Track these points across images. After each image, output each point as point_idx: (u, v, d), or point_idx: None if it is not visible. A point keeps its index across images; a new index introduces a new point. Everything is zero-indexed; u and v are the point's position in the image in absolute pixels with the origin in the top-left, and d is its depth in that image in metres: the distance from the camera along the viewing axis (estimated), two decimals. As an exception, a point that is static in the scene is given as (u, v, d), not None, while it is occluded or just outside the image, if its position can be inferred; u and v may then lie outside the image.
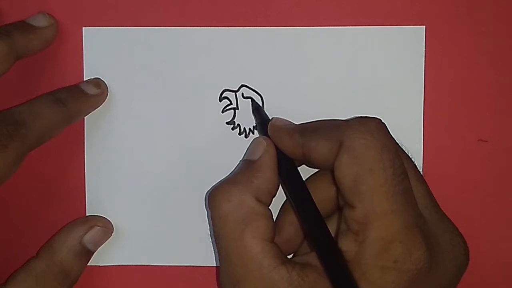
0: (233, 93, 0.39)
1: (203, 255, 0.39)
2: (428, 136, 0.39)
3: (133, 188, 0.39)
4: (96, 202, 0.39)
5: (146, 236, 0.39)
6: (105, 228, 0.39)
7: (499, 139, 0.39)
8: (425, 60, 0.38)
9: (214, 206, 0.34)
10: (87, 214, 0.39)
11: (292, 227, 0.36)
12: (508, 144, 0.39)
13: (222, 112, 0.39)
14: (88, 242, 0.38)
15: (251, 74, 0.39)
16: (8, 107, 0.36)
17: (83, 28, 0.39)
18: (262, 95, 0.39)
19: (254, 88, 0.39)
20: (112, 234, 0.39)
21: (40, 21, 0.38)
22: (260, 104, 0.39)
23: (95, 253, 0.39)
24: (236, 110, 0.39)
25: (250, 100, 0.39)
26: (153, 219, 0.39)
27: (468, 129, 0.39)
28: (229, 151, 0.39)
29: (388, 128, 0.33)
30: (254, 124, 0.39)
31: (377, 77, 0.39)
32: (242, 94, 0.39)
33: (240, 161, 0.38)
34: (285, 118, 0.37)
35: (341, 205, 0.33)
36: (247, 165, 0.35)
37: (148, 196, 0.39)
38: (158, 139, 0.39)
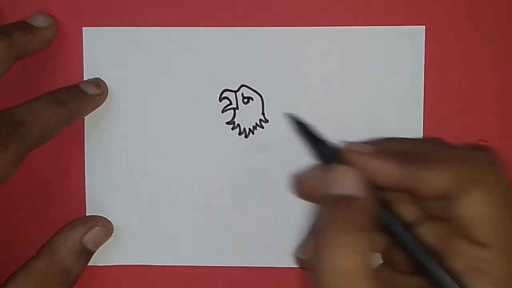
0: (233, 93, 0.39)
1: (203, 255, 0.39)
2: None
3: (133, 188, 0.39)
4: (96, 202, 0.39)
5: (146, 236, 0.39)
6: (105, 228, 0.39)
7: (499, 139, 0.39)
8: (425, 60, 0.38)
9: (323, 259, 0.28)
10: (87, 214, 0.39)
11: None
12: (508, 144, 0.39)
13: (222, 112, 0.39)
14: (88, 242, 0.38)
15: (251, 74, 0.39)
16: (8, 107, 0.36)
17: (83, 28, 0.39)
18: (262, 95, 0.39)
19: (254, 88, 0.39)
20: (112, 234, 0.39)
21: (40, 21, 0.38)
22: (260, 105, 0.39)
23: (95, 253, 0.39)
24: (236, 110, 0.39)
25: (289, 116, 0.33)
26: (153, 219, 0.39)
27: (468, 129, 0.39)
28: (229, 151, 0.39)
29: None
30: (254, 124, 0.39)
31: (377, 77, 0.39)
32: (242, 94, 0.39)
33: (325, 196, 0.31)
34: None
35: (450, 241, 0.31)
36: (346, 204, 0.30)
37: (148, 196, 0.39)
38: (158, 139, 0.39)
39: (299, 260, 0.33)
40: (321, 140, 0.32)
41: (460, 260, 0.30)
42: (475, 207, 0.29)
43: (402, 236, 0.30)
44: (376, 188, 0.30)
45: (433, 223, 0.32)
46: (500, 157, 0.30)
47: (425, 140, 0.35)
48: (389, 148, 0.32)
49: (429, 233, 0.32)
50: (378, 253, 0.32)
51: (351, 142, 0.31)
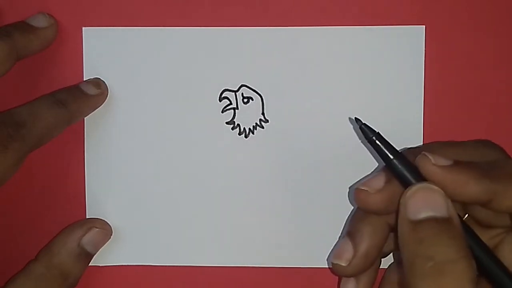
0: (233, 93, 0.39)
1: (203, 255, 0.39)
2: (428, 136, 0.39)
3: (133, 188, 0.39)
4: (96, 202, 0.40)
5: (146, 236, 0.39)
6: (103, 230, 0.39)
7: (499, 139, 0.39)
8: (425, 60, 0.38)
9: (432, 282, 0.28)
10: (87, 215, 0.39)
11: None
12: (508, 144, 0.39)
13: (222, 112, 0.39)
14: (86, 244, 0.38)
15: (251, 74, 0.39)
16: (8, 108, 0.36)
17: (83, 28, 0.39)
18: (262, 95, 0.39)
19: (254, 88, 0.39)
20: (111, 236, 0.39)
21: (40, 21, 0.38)
22: (260, 105, 0.39)
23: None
24: (236, 110, 0.39)
25: (360, 124, 0.33)
26: (153, 219, 0.39)
27: (468, 129, 0.39)
28: (229, 151, 0.39)
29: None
30: (254, 124, 0.39)
31: (377, 77, 0.39)
32: (242, 94, 0.39)
33: (426, 219, 0.29)
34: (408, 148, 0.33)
35: None
36: (447, 227, 0.29)
37: (148, 196, 0.39)
38: (158, 139, 0.39)
39: (338, 266, 0.33)
40: (394, 150, 0.32)
41: None
42: None
43: (486, 260, 0.30)
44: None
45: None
46: None
47: (477, 145, 0.34)
48: (455, 157, 0.31)
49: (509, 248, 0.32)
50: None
51: (425, 153, 0.31)
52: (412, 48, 0.38)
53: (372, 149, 0.33)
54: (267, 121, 0.39)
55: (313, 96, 0.39)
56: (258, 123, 0.39)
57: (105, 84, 0.39)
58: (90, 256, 0.38)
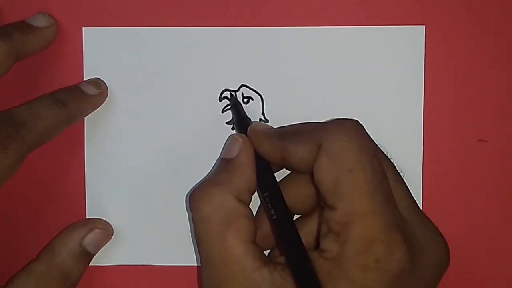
0: (233, 93, 0.39)
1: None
2: (428, 136, 0.39)
3: (133, 188, 0.39)
4: (96, 202, 0.39)
5: (146, 236, 0.39)
6: (105, 230, 0.39)
7: (499, 139, 0.39)
8: (425, 60, 0.38)
9: (195, 208, 0.34)
10: (87, 214, 0.39)
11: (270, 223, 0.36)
12: (508, 144, 0.39)
13: (222, 112, 0.39)
14: (88, 244, 0.38)
15: (251, 74, 0.39)
16: (8, 108, 0.36)
17: (83, 28, 0.39)
18: (262, 95, 0.39)
19: (254, 88, 0.39)
20: (112, 236, 0.39)
21: (40, 21, 0.38)
22: (260, 105, 0.39)
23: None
24: (236, 110, 0.39)
25: (229, 94, 0.39)
26: (153, 219, 0.39)
27: (468, 129, 0.39)
28: (229, 151, 0.39)
29: (366, 129, 0.33)
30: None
31: (377, 77, 0.39)
32: (242, 94, 0.39)
33: (217, 160, 0.38)
34: (267, 123, 0.38)
35: (322, 206, 0.34)
36: (225, 164, 0.35)
37: (148, 195, 0.39)
38: (158, 139, 0.39)
39: None
40: (244, 117, 0.38)
41: (323, 225, 0.33)
42: (320, 171, 0.32)
43: (266, 198, 0.34)
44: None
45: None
46: (360, 126, 0.33)
47: (310, 123, 0.38)
48: (285, 129, 0.36)
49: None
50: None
51: (256, 122, 0.38)
52: (412, 48, 0.38)
53: None
54: (267, 121, 0.39)
55: (313, 96, 0.39)
56: (258, 123, 0.39)
57: (105, 84, 0.39)
58: (91, 256, 0.38)
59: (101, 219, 0.39)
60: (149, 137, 0.39)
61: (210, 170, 0.39)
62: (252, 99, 0.39)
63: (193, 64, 0.39)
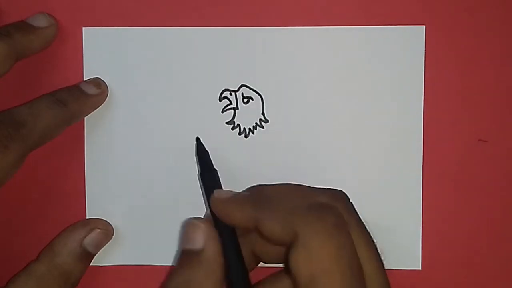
0: (233, 93, 0.39)
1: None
2: (428, 136, 0.39)
3: (133, 188, 0.39)
4: (96, 202, 0.40)
5: (146, 236, 0.39)
6: (106, 230, 0.39)
7: (499, 139, 0.39)
8: (425, 60, 0.38)
9: None
10: (87, 215, 0.39)
11: None
12: (508, 144, 0.39)
13: (222, 112, 0.39)
14: (88, 245, 0.38)
15: (251, 74, 0.39)
16: (8, 108, 0.36)
17: (83, 28, 0.39)
18: (262, 95, 0.39)
19: (254, 88, 0.39)
20: (113, 236, 0.39)
21: (40, 21, 0.38)
22: (260, 105, 0.39)
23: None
24: (236, 110, 0.39)
25: (196, 141, 0.38)
26: (153, 219, 0.39)
27: (468, 129, 0.39)
28: (229, 151, 0.39)
29: (352, 204, 0.33)
30: (254, 124, 0.39)
31: (377, 77, 0.39)
32: (242, 94, 0.39)
33: (181, 249, 0.35)
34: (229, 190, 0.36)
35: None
36: (194, 258, 0.34)
37: (148, 196, 0.39)
38: (158, 139, 0.39)
39: None
40: (211, 168, 0.37)
41: None
42: (296, 263, 0.31)
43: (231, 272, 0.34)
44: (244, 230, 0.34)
45: None
46: (342, 220, 0.32)
47: (292, 188, 0.36)
48: (254, 192, 0.35)
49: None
50: None
51: (219, 190, 0.36)
52: (412, 48, 0.38)
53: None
54: (267, 121, 0.39)
55: (313, 96, 0.39)
56: (258, 123, 0.39)
57: (105, 84, 0.39)
58: (91, 256, 0.38)
59: (101, 219, 0.39)
60: (149, 137, 0.39)
61: (177, 263, 0.35)
62: (252, 99, 0.39)
63: (193, 64, 0.39)
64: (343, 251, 0.31)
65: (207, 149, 0.38)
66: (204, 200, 0.38)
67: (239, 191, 0.39)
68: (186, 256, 0.34)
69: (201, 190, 0.39)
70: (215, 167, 0.37)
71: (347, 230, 0.32)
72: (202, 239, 0.34)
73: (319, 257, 0.30)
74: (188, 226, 0.35)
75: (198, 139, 0.38)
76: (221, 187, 0.37)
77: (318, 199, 0.33)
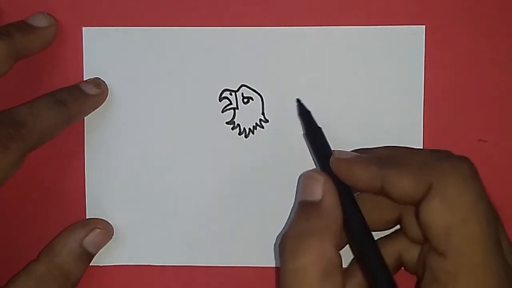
0: (233, 93, 0.39)
1: (203, 255, 0.39)
2: (428, 136, 0.39)
3: (133, 188, 0.39)
4: (96, 202, 0.40)
5: (146, 236, 0.39)
6: (106, 230, 0.39)
7: (499, 139, 0.39)
8: (425, 60, 0.38)
9: (290, 259, 0.31)
10: (87, 214, 0.39)
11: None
12: (508, 144, 0.39)
13: (222, 112, 0.39)
14: (88, 245, 0.38)
15: (251, 74, 0.39)
16: (8, 108, 0.36)
17: (83, 28, 0.39)
18: (262, 95, 0.39)
19: (254, 88, 0.39)
20: (113, 236, 0.39)
21: (40, 21, 0.38)
22: (260, 105, 0.39)
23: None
24: (236, 110, 0.39)
25: (297, 102, 0.38)
26: (153, 219, 0.39)
27: (468, 129, 0.39)
28: (229, 151, 0.39)
29: (478, 172, 0.32)
30: (254, 124, 0.39)
31: (377, 77, 0.39)
32: (242, 94, 0.39)
33: (298, 202, 0.34)
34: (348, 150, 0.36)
35: (425, 250, 0.32)
36: (313, 209, 0.33)
37: (148, 195, 0.39)
38: (158, 139, 0.39)
39: None
40: (325, 147, 0.36)
41: (426, 272, 0.31)
42: (431, 215, 0.30)
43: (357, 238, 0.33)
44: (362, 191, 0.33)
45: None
46: (475, 170, 0.31)
47: (408, 148, 0.36)
48: (371, 154, 0.34)
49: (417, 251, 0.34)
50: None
51: (339, 151, 0.35)
52: (412, 48, 0.38)
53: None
54: (267, 121, 0.39)
55: (313, 96, 0.39)
56: (258, 123, 0.39)
57: (105, 84, 0.39)
58: (91, 256, 0.38)
59: (101, 219, 0.39)
60: (149, 137, 0.39)
61: (290, 214, 0.38)
62: (252, 99, 0.39)
63: (193, 64, 0.39)
64: (480, 200, 0.30)
65: (308, 108, 0.38)
66: (312, 159, 0.38)
67: (239, 191, 0.39)
68: (304, 207, 0.33)
69: (309, 149, 0.38)
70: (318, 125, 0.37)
71: (481, 179, 0.31)
72: (320, 190, 0.33)
73: (456, 207, 0.30)
74: (306, 178, 0.34)
75: (298, 100, 0.38)
76: (328, 145, 0.36)
77: (444, 153, 0.33)
